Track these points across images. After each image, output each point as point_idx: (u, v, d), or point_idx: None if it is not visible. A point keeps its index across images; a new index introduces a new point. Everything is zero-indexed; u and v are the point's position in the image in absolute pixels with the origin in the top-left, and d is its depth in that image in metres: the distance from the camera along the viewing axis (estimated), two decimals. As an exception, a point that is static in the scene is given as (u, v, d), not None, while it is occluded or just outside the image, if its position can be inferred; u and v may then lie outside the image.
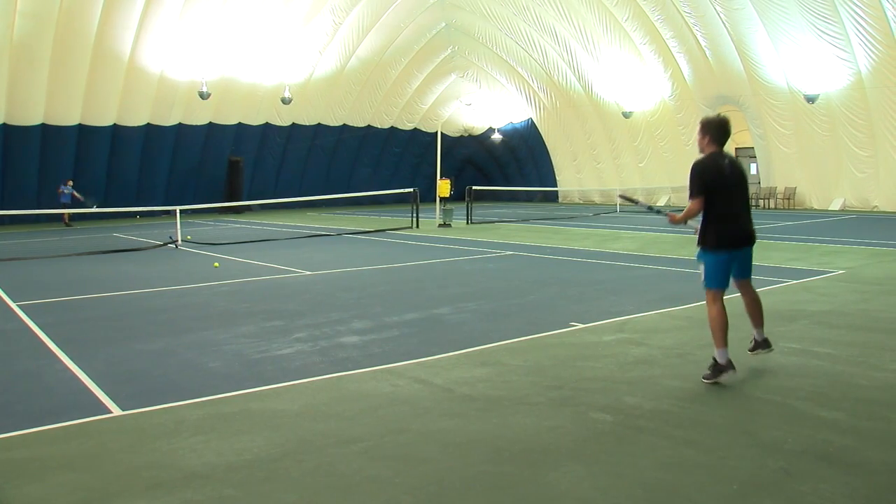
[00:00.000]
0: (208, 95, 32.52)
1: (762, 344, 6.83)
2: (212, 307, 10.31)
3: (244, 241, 20.08)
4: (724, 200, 6.27)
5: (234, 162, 35.78)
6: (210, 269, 14.38)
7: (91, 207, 27.04)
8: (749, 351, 6.85)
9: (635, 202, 7.61)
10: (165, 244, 19.19)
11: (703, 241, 6.37)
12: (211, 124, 34.68)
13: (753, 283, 6.81)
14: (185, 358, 7.40)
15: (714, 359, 6.32)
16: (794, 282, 11.79)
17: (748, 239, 6.46)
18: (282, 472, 4.53)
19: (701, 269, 6.39)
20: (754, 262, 6.72)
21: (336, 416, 5.57)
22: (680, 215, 6.38)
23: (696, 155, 6.51)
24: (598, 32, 34.49)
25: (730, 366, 6.28)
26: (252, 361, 7.22)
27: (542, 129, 41.89)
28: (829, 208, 30.81)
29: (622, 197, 7.79)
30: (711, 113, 32.81)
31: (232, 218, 31.58)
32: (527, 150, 43.56)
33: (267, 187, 36.77)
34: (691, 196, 6.27)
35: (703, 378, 6.30)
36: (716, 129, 6.36)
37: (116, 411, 5.74)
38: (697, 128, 6.45)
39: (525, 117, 42.49)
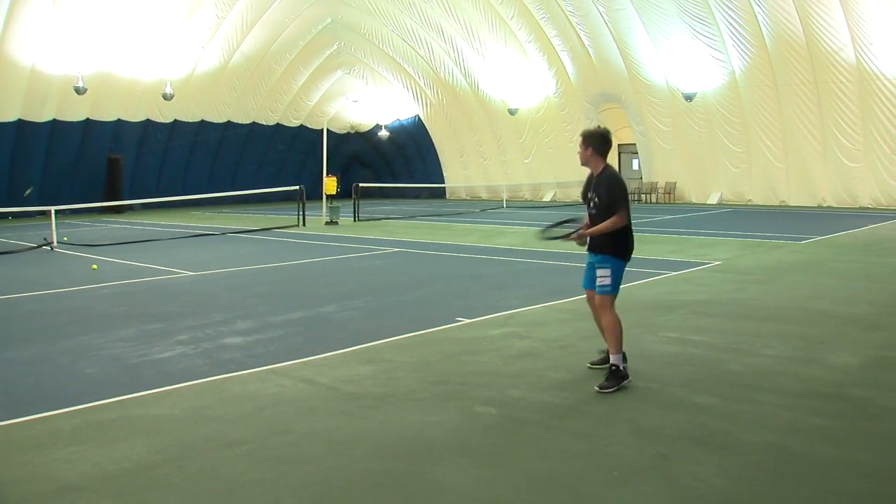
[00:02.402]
0: (84, 90, 31.27)
1: (604, 361, 6.57)
2: (89, 311, 9.96)
3: (124, 242, 19.46)
4: (628, 212, 6.30)
5: (113, 160, 34.55)
6: (88, 271, 13.88)
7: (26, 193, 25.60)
8: (590, 365, 6.70)
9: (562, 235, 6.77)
10: (40, 246, 18.41)
11: (613, 250, 6.31)
12: (88, 120, 33.35)
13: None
14: (60, 364, 7.13)
15: (614, 367, 6.15)
16: (673, 273, 12.20)
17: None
18: (162, 479, 4.43)
19: (607, 276, 6.29)
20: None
21: (219, 419, 5.48)
22: (603, 227, 6.24)
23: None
24: (484, 30, 34.83)
25: (627, 373, 6.21)
26: (131, 366, 7.02)
27: (429, 125, 42.05)
28: (707, 202, 31.99)
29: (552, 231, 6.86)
30: (595, 111, 33.79)
31: (112, 218, 30.54)
32: (414, 146, 43.65)
33: (149, 186, 35.66)
34: (620, 209, 6.21)
35: (599, 387, 6.01)
36: (600, 142, 6.37)
37: (-15, 422, 5.49)
38: (579, 140, 6.43)
39: (412, 114, 42.56)
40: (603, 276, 6.31)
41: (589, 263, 6.54)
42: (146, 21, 31.32)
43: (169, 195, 30.11)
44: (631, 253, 6.45)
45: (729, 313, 8.94)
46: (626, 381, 6.13)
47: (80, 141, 33.46)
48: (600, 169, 6.39)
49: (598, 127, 6.71)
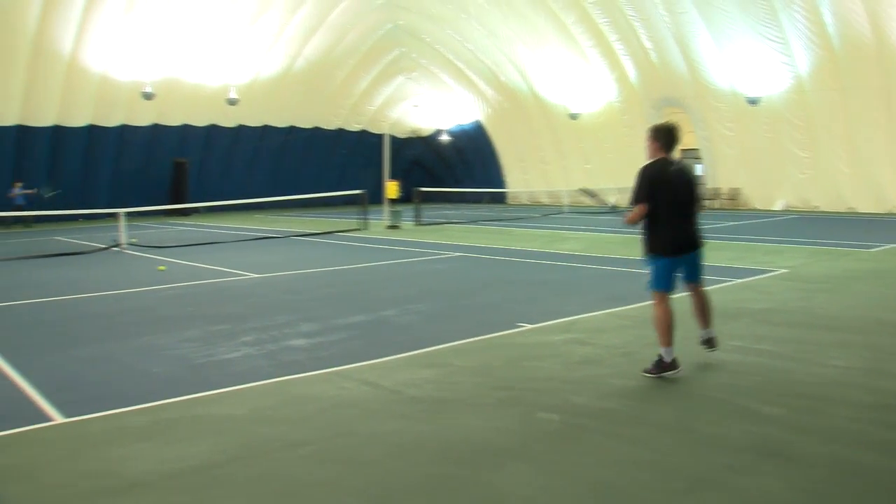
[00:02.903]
0: (152, 96, 32.03)
1: (707, 342, 6.95)
2: (156, 311, 10.16)
3: (190, 244, 19.83)
4: (668, 206, 6.42)
5: (179, 163, 35.29)
6: (155, 272, 14.17)
7: (48, 195, 26.37)
8: (703, 348, 6.97)
9: (593, 195, 7.68)
10: (109, 247, 18.86)
11: (649, 247, 6.55)
12: (155, 125, 34.16)
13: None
14: (128, 363, 7.29)
15: (659, 356, 6.46)
16: (737, 281, 11.99)
17: (691, 245, 6.63)
18: (226, 478, 4.49)
19: (649, 273, 6.59)
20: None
21: (282, 420, 5.54)
22: (629, 217, 6.56)
23: (642, 155, 6.62)
24: (545, 35, 34.67)
25: (674, 365, 6.41)
26: (197, 366, 7.14)
27: (490, 130, 42.03)
28: (772, 208, 31.40)
29: (583, 191, 7.87)
30: (657, 116, 33.41)
31: (177, 220, 31.16)
32: (475, 151, 43.67)
33: (213, 189, 36.27)
34: (636, 200, 6.43)
35: (644, 371, 6.46)
36: (665, 136, 6.50)
37: (58, 419, 5.63)
38: (647, 135, 6.59)
39: (473, 119, 42.59)
40: (648, 273, 6.63)
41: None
42: (212, 28, 31.98)
43: (233, 198, 30.60)
44: (673, 251, 6.51)
45: (794, 322, 8.75)
46: (671, 373, 6.36)
47: (147, 145, 34.28)
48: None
49: (667, 122, 6.78)
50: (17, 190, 28.80)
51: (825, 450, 4.81)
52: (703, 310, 6.91)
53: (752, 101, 30.44)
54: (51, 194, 26.70)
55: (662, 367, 6.41)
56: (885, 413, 5.54)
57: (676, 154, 6.63)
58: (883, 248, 16.45)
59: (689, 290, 6.87)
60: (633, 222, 6.55)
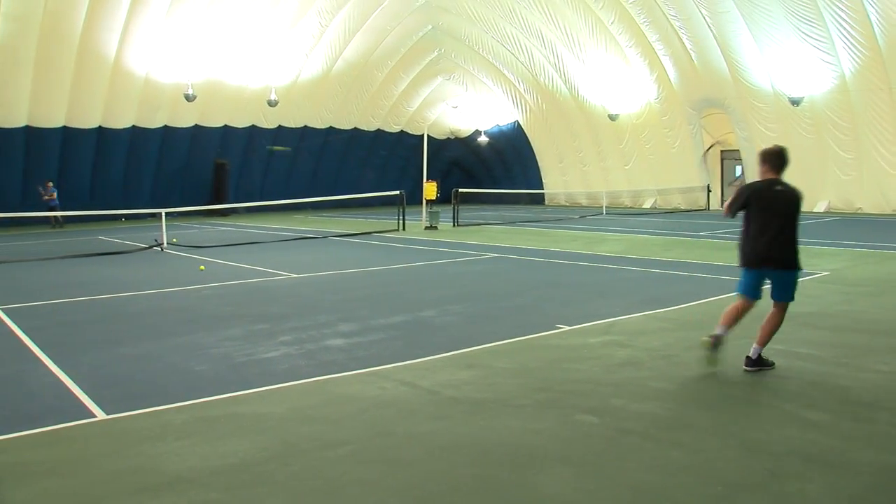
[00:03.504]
0: (194, 98, 32.40)
1: (748, 360, 6.84)
2: (197, 310, 10.27)
3: (230, 244, 20.02)
4: (758, 221, 6.71)
5: (220, 164, 35.64)
6: (196, 272, 14.33)
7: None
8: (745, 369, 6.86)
9: None
10: (151, 247, 19.10)
11: (739, 256, 6.92)
12: (196, 126, 34.55)
13: (737, 285, 6.92)
14: (171, 361, 7.37)
15: (717, 334, 6.75)
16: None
17: (773, 262, 6.72)
18: (267, 476, 4.52)
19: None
20: (736, 264, 6.90)
21: (322, 420, 5.56)
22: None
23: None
24: (584, 35, 34.52)
25: (718, 341, 6.72)
26: (238, 365, 7.20)
27: (529, 131, 41.92)
28: (814, 210, 30.95)
29: None
30: (697, 116, 33.12)
31: (218, 220, 31.46)
32: (513, 152, 43.58)
33: (253, 190, 36.64)
34: (727, 207, 6.99)
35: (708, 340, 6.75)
36: (772, 158, 6.88)
37: (101, 415, 5.71)
38: (758, 159, 7.08)
39: (511, 120, 42.49)
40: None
41: None
42: (253, 30, 32.27)
43: (272, 199, 30.85)
44: (751, 263, 6.81)
45: (838, 326, 8.62)
46: (716, 348, 6.71)
47: (188, 146, 34.70)
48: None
49: (775, 146, 7.13)
50: (51, 190, 29.24)
51: (871, 457, 4.72)
52: (766, 328, 6.85)
53: (795, 102, 30.01)
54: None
55: (718, 341, 6.73)
56: (932, 419, 5.44)
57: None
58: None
59: (773, 308, 6.92)
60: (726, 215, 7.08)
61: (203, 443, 5.08)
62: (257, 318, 9.50)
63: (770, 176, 6.81)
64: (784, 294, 6.81)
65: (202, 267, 14.89)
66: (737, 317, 6.83)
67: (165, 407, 5.85)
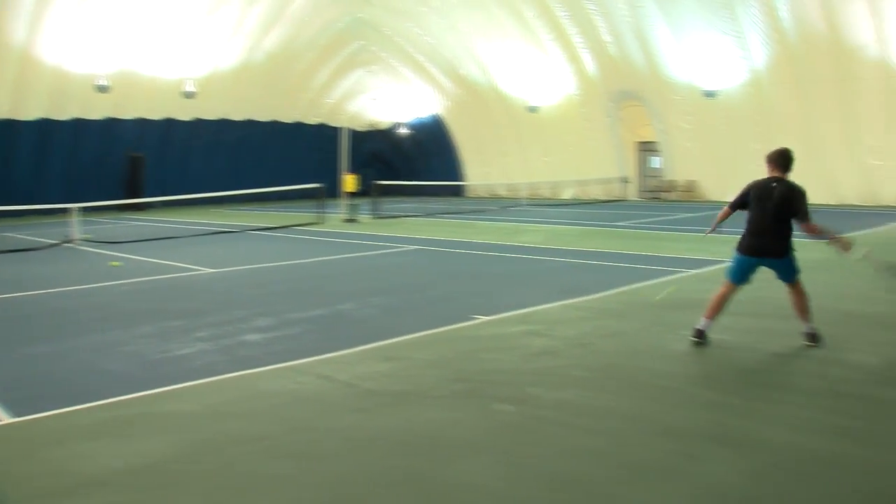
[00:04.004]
0: (107, 89, 31.53)
1: (809, 336, 7.25)
2: (111, 307, 10.03)
3: (146, 240, 19.58)
4: (755, 214, 7.26)
5: (135, 157, 34.79)
6: (109, 268, 13.98)
7: None
8: (805, 344, 7.24)
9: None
10: (62, 243, 18.56)
11: (737, 244, 7.37)
12: (110, 119, 33.64)
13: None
14: (82, 360, 7.20)
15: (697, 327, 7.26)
16: (693, 271, 12.13)
17: (768, 252, 7.25)
18: (182, 475, 4.45)
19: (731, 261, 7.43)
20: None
21: (238, 416, 5.50)
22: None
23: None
24: (506, 28, 34.74)
25: (703, 336, 7.22)
26: (152, 362, 7.07)
27: (450, 123, 42.03)
28: (728, 200, 31.73)
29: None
30: (616, 108, 33.66)
31: (133, 215, 30.71)
32: (434, 144, 43.62)
33: (170, 184, 35.77)
34: (730, 204, 7.74)
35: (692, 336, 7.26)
36: (776, 158, 7.38)
37: (6, 418, 5.54)
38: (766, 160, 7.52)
39: (432, 112, 42.55)
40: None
41: None
42: (169, 19, 31.51)
43: (190, 193, 30.24)
44: (748, 251, 7.29)
45: (750, 311, 8.87)
46: (696, 340, 7.20)
47: (102, 139, 33.73)
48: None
49: (780, 147, 7.58)
50: None
51: (778, 437, 4.90)
52: (800, 304, 7.33)
53: (709, 95, 30.82)
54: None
55: (699, 335, 7.24)
56: (836, 400, 5.66)
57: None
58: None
59: (787, 289, 7.41)
60: (720, 220, 7.85)
61: (115, 443, 4.96)
62: (173, 315, 9.32)
63: (775, 174, 7.31)
64: (789, 276, 7.33)
65: (116, 263, 14.53)
66: (721, 304, 7.29)
67: (75, 408, 5.69)
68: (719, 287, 7.39)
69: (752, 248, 7.26)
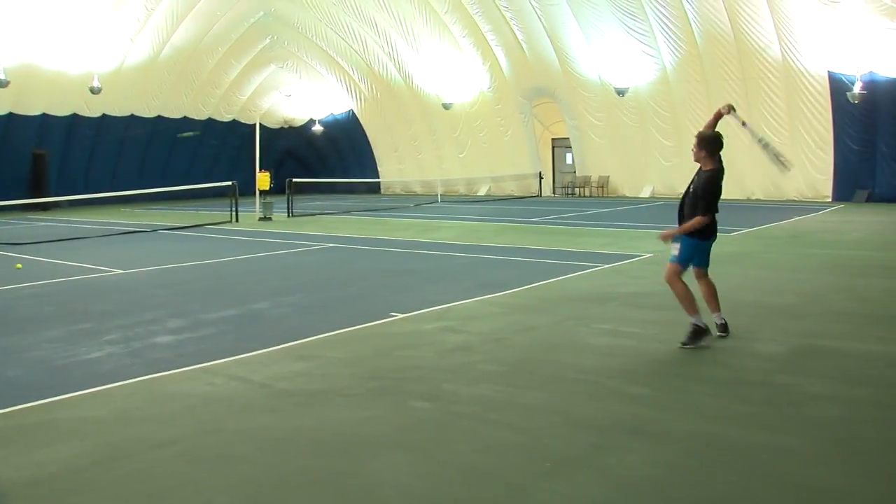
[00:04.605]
0: (7, 83, 30.39)
1: (723, 328, 7.40)
2: (13, 311, 9.68)
3: (51, 240, 18.96)
4: (718, 199, 7.17)
5: (38, 155, 33.66)
6: (11, 270, 13.48)
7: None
8: (717, 335, 7.32)
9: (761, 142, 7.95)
10: (-39, 245, 17.87)
11: (694, 231, 7.09)
12: (11, 115, 32.43)
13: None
14: (-18, 367, 6.93)
15: (694, 325, 7.02)
16: (606, 266, 12.36)
17: (714, 233, 7.34)
18: (90, 482, 4.33)
19: (677, 248, 7.16)
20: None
21: (149, 420, 5.38)
22: (688, 226, 7.10)
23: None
24: (418, 24, 34.80)
25: (707, 329, 7.06)
26: (58, 367, 6.84)
27: (364, 120, 41.87)
28: (640, 195, 32.48)
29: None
30: (529, 106, 33.96)
31: (37, 216, 29.70)
32: (348, 141, 43.39)
33: (76, 182, 34.74)
34: (708, 210, 7.05)
35: (682, 344, 7.01)
36: (712, 144, 7.19)
37: None
38: (695, 141, 7.28)
39: (346, 108, 42.30)
40: (674, 248, 7.18)
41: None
42: (72, 11, 30.48)
43: (97, 191, 29.42)
44: (707, 235, 7.22)
45: (660, 305, 9.08)
46: (705, 339, 7.02)
47: (2, 136, 32.52)
48: (707, 168, 7.21)
49: (713, 131, 7.34)
50: None
51: (688, 426, 5.04)
52: (712, 295, 7.44)
53: (620, 92, 31.45)
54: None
55: (699, 333, 7.05)
56: (743, 388, 5.84)
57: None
58: (743, 231, 17.30)
59: (699, 275, 7.43)
60: (684, 232, 7.15)
61: (18, 453, 4.80)
62: (80, 318, 9.05)
63: (713, 163, 7.23)
64: (707, 260, 7.43)
65: (19, 265, 14.02)
66: (692, 294, 7.13)
67: (-24, 416, 5.49)
68: (675, 285, 7.16)
69: (712, 232, 7.28)
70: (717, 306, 7.42)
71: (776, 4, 25.89)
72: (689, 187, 7.29)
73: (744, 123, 7.84)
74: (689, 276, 7.31)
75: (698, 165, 7.33)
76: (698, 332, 7.02)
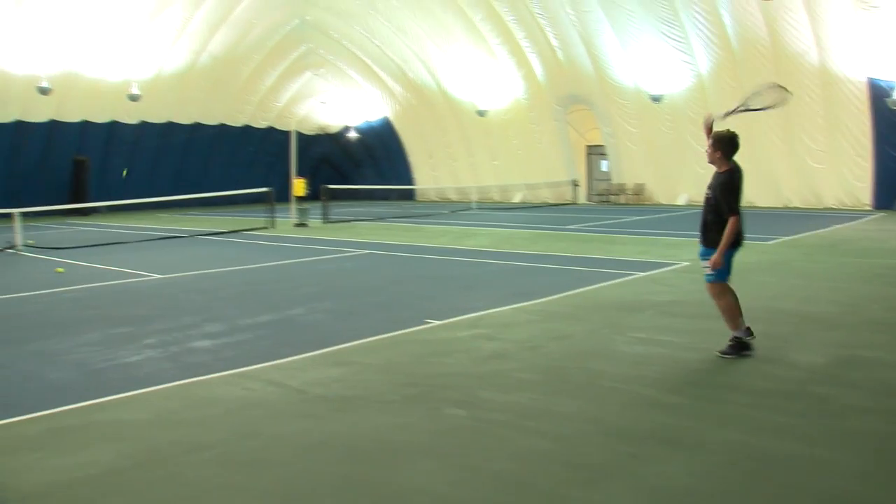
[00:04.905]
0: (49, 91, 30.93)
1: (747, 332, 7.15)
2: (54, 315, 9.83)
3: (91, 245, 19.24)
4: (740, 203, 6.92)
5: (79, 161, 34.19)
6: (53, 274, 13.71)
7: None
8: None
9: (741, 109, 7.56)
10: (4, 249, 18.16)
11: (716, 242, 6.86)
12: (53, 122, 33.00)
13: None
14: (24, 370, 7.04)
15: (735, 338, 6.96)
16: (641, 274, 12.27)
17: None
18: (129, 485, 4.38)
19: (709, 267, 6.94)
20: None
21: (186, 424, 5.43)
22: (725, 239, 6.81)
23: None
24: (453, 32, 34.82)
25: (749, 332, 6.99)
26: (97, 371, 6.94)
27: (398, 127, 41.99)
28: (675, 203, 32.24)
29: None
30: (564, 113, 33.86)
31: (78, 220, 30.18)
32: (383, 148, 43.55)
33: (115, 188, 35.27)
34: (732, 211, 6.79)
35: (721, 353, 6.95)
36: (727, 144, 6.89)
37: (-55, 430, 5.41)
38: (709, 142, 6.98)
39: (381, 115, 42.46)
40: (707, 267, 6.97)
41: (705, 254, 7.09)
42: (112, 20, 30.97)
43: (136, 197, 29.81)
44: (738, 242, 6.96)
45: (696, 313, 9.01)
46: (746, 352, 6.92)
47: (44, 142, 33.08)
48: (723, 170, 6.94)
49: (727, 130, 6.99)
50: None
51: (724, 436, 4.98)
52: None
53: (655, 99, 31.24)
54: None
55: (739, 346, 6.98)
56: (780, 399, 5.76)
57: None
58: (780, 240, 17.09)
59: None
60: (726, 247, 6.86)
61: (59, 454, 4.87)
62: (119, 322, 9.17)
63: (728, 163, 6.96)
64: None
65: (60, 269, 14.25)
66: (734, 309, 6.99)
67: (17, 419, 5.56)
68: (722, 298, 7.03)
69: (741, 237, 7.00)
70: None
71: (814, 9, 25.55)
72: (707, 194, 7.06)
73: (727, 113, 7.41)
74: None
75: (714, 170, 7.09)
76: (740, 345, 6.94)
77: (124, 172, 14.07)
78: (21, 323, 9.35)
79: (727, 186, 6.83)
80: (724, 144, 6.90)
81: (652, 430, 5.14)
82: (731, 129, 7.00)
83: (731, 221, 6.77)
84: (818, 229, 19.71)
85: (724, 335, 7.75)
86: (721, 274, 6.97)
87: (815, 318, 8.78)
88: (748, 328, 7.07)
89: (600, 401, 5.81)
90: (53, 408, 5.79)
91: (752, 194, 29.68)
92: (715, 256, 6.87)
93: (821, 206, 28.14)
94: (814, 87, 27.19)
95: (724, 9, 27.23)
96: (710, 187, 7.01)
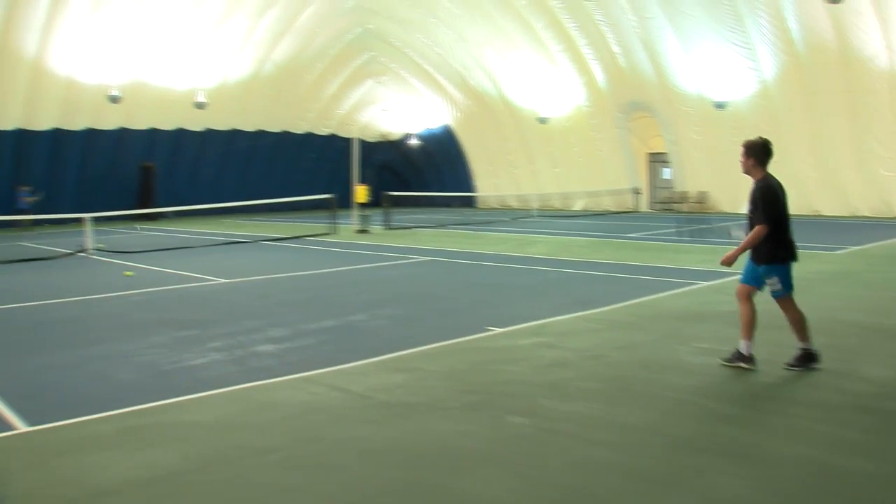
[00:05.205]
0: (119, 99, 31.75)
1: (808, 357, 6.93)
2: (123, 317, 10.07)
3: (158, 249, 19.66)
4: (787, 219, 6.81)
5: (146, 167, 35.00)
6: (122, 277, 14.04)
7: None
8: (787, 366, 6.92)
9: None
10: (75, 253, 18.65)
11: (772, 258, 6.77)
12: (122, 129, 33.86)
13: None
14: (95, 370, 7.22)
15: (803, 349, 6.78)
16: (705, 283, 12.08)
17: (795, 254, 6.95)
18: (194, 486, 4.45)
19: (777, 283, 6.81)
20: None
21: (250, 427, 5.51)
22: (745, 243, 6.81)
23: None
24: (515, 39, 34.81)
25: (818, 356, 6.82)
26: (164, 372, 7.08)
27: (460, 134, 42.10)
28: (739, 211, 31.68)
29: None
30: (626, 120, 33.60)
31: (145, 225, 30.87)
32: (444, 154, 43.71)
33: (181, 194, 35.92)
34: (764, 220, 6.63)
35: (789, 366, 6.78)
36: (761, 152, 6.80)
37: (21, 427, 5.56)
38: (741, 150, 6.91)
39: (442, 123, 42.63)
40: (773, 284, 6.83)
41: (750, 267, 6.98)
42: (179, 30, 31.74)
43: (201, 203, 30.35)
44: (793, 254, 6.88)
45: (762, 324, 8.76)
46: (814, 364, 6.74)
47: (113, 149, 33.97)
48: (757, 178, 6.85)
49: (759, 137, 6.93)
50: (24, 194, 28.81)
51: (791, 450, 4.87)
52: (801, 321, 6.99)
53: (719, 106, 30.79)
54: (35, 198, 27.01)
55: (810, 359, 6.82)
56: (850, 413, 5.61)
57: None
58: (848, 250, 16.69)
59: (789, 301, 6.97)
60: (744, 250, 6.85)
61: (127, 453, 4.98)
62: (185, 325, 9.35)
63: (762, 171, 6.87)
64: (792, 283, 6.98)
65: (129, 272, 14.58)
66: (804, 321, 6.85)
67: (89, 417, 5.71)
68: (792, 311, 6.90)
69: (795, 251, 6.90)
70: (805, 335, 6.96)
71: (885, 12, 24.90)
72: (748, 209, 6.90)
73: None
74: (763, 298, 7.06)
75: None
76: (808, 357, 6.77)
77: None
78: (92, 325, 9.60)
79: (764, 196, 6.69)
80: (757, 151, 6.80)
81: (715, 442, 5.06)
82: (764, 137, 6.92)
83: (758, 228, 6.64)
84: (887, 239, 19.20)
85: (790, 347, 7.60)
86: (786, 287, 6.85)
87: (885, 330, 8.56)
88: (751, 355, 6.89)
89: (663, 412, 5.74)
90: (123, 407, 5.93)
91: (818, 202, 29.09)
92: (729, 254, 6.85)
93: (891, 215, 27.38)
94: (883, 93, 26.53)
95: (790, 13, 26.70)
96: (749, 201, 6.88)
